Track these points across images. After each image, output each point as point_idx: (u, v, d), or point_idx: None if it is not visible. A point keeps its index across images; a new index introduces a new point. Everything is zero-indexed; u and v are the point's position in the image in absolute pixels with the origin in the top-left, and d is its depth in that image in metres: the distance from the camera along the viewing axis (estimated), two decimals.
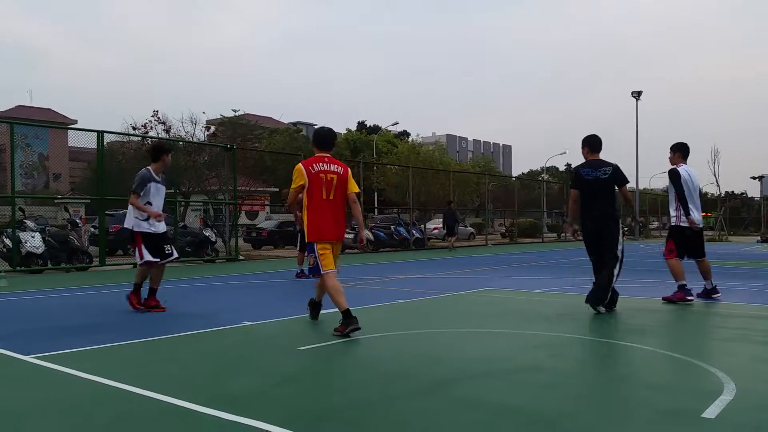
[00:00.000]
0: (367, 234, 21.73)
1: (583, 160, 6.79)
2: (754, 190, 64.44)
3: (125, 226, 6.82)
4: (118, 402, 3.35)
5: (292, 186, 5.39)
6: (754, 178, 44.58)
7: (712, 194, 43.24)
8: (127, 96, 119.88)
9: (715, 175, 36.26)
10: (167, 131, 22.16)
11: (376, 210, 36.82)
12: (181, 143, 19.30)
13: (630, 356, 4.62)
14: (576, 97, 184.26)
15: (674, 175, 7.32)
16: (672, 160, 7.53)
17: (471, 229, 34.77)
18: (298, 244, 10.68)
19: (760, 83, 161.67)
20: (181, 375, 3.98)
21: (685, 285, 7.18)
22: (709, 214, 36.28)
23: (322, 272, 5.27)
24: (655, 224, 48.95)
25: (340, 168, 5.40)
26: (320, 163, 5.33)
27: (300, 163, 5.38)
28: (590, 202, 6.52)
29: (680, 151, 7.52)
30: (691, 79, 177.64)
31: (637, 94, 35.25)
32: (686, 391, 3.59)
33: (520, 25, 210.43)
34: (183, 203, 21.29)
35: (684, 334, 5.49)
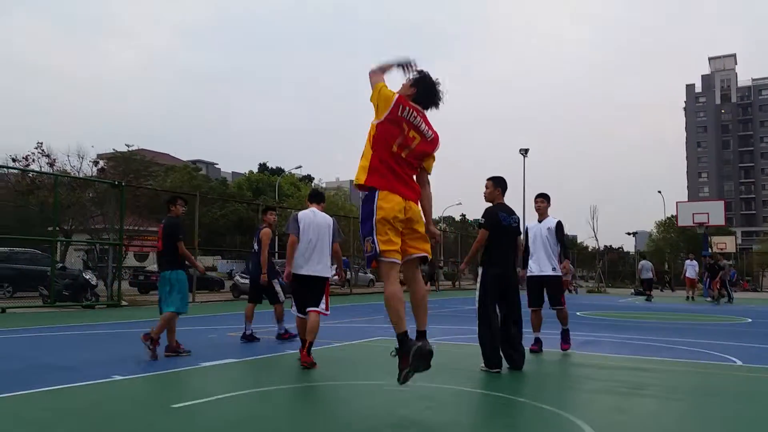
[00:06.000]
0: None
1: (489, 201, 6.55)
2: (629, 245, 69.84)
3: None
4: None
5: None
6: (629, 233, 48.32)
7: (593, 248, 46.28)
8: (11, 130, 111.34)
9: (594, 230, 38.97)
10: (51, 165, 20.92)
11: (276, 254, 36.16)
12: (66, 178, 18.25)
13: (499, 407, 4.78)
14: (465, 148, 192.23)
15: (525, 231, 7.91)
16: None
17: (371, 276, 34.88)
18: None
19: (636, 143, 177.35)
20: None
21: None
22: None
23: None
24: None
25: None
26: None
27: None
28: (499, 250, 6.42)
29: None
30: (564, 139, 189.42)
31: (524, 152, 37.37)
32: None
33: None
34: (64, 242, 19.94)
35: (552, 385, 5.76)
